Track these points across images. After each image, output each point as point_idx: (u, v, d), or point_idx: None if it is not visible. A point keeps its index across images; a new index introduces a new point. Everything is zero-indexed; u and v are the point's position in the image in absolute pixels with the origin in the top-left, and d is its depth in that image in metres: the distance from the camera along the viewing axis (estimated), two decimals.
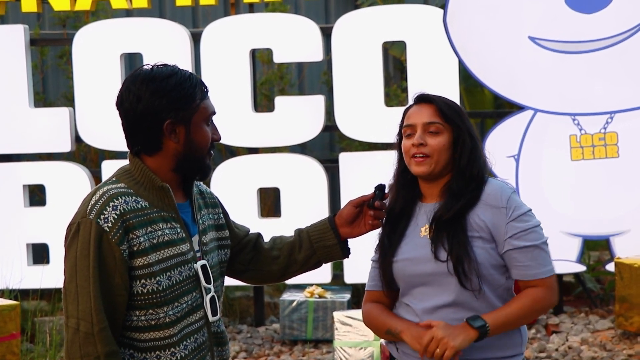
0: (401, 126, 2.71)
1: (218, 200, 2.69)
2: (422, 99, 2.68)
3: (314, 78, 8.18)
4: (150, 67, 2.45)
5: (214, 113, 2.51)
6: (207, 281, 2.49)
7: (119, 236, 2.33)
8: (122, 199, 2.37)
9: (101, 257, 2.32)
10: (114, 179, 2.45)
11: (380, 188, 2.70)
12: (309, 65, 8.03)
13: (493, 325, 2.53)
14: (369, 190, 2.73)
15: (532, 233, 2.58)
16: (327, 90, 7.72)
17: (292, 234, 2.78)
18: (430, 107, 2.65)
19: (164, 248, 2.40)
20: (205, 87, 2.49)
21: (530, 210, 2.62)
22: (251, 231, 2.81)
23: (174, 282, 2.41)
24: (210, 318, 2.50)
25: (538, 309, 2.60)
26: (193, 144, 2.44)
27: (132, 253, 2.36)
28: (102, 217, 2.33)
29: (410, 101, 2.75)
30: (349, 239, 2.75)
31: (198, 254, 2.50)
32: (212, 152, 2.51)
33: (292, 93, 7.81)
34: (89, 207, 2.36)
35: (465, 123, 2.65)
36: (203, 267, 2.48)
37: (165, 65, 2.46)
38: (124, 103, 2.43)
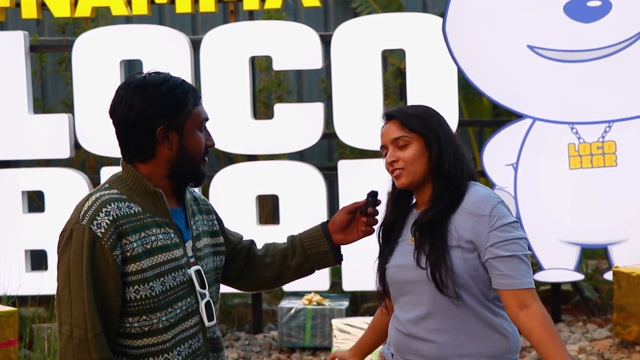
0: None
1: (212, 207, 2.69)
2: (387, 117, 2.71)
3: (312, 86, 8.18)
4: (143, 75, 2.46)
5: (207, 119, 2.51)
6: (202, 286, 2.48)
7: (112, 241, 2.33)
8: (114, 204, 2.37)
9: (94, 262, 2.32)
10: (106, 185, 2.45)
11: (372, 195, 2.71)
12: (306, 73, 8.04)
13: None
14: None
15: (514, 244, 2.55)
16: (325, 97, 7.73)
17: (285, 240, 2.79)
18: (395, 122, 2.67)
19: (157, 253, 2.39)
20: (198, 93, 2.50)
21: (517, 221, 2.60)
22: (244, 238, 2.81)
23: (168, 287, 2.40)
24: (207, 323, 2.49)
25: (550, 321, 2.55)
26: (186, 151, 2.44)
27: (125, 259, 2.35)
28: (95, 222, 2.33)
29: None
30: (342, 246, 2.76)
31: (192, 260, 2.50)
32: (206, 158, 2.51)
33: (290, 100, 7.82)
34: (82, 213, 2.36)
35: (430, 127, 2.64)
36: (197, 272, 2.48)
37: (158, 72, 2.47)
38: (116, 111, 2.44)
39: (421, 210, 2.65)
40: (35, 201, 7.10)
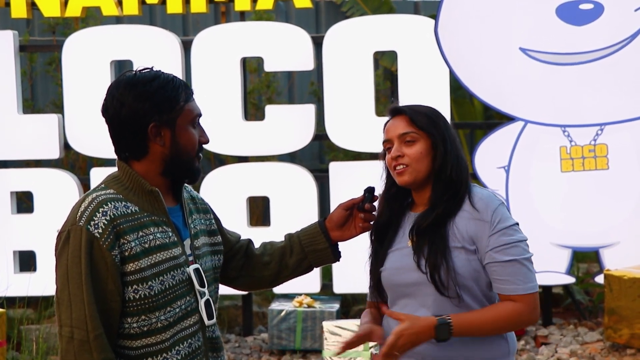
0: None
1: (209, 206, 2.68)
2: (395, 112, 2.70)
3: (303, 88, 8.17)
4: (133, 72, 2.45)
5: (200, 115, 2.49)
6: (201, 285, 2.47)
7: (110, 242, 2.32)
8: (111, 204, 2.36)
9: (93, 263, 2.30)
10: (102, 185, 2.44)
11: (369, 190, 2.71)
12: (297, 75, 8.02)
13: (458, 328, 2.51)
14: None
15: (515, 248, 2.55)
16: (315, 100, 7.72)
17: (283, 239, 2.77)
18: (403, 118, 2.67)
19: (155, 252, 2.38)
20: (190, 89, 2.48)
21: (517, 224, 2.60)
22: (242, 237, 2.80)
23: (167, 286, 2.39)
24: (206, 322, 2.48)
25: (513, 323, 2.57)
26: (179, 147, 2.43)
27: (124, 258, 2.34)
28: (92, 223, 2.32)
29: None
30: (339, 243, 2.75)
31: (190, 258, 2.48)
32: (200, 154, 2.50)
33: (280, 102, 7.80)
34: (79, 213, 2.34)
35: (438, 128, 2.64)
36: (196, 270, 2.47)
37: (148, 69, 2.46)
38: (108, 110, 2.43)
39: (419, 213, 2.64)
40: (24, 202, 7.06)
